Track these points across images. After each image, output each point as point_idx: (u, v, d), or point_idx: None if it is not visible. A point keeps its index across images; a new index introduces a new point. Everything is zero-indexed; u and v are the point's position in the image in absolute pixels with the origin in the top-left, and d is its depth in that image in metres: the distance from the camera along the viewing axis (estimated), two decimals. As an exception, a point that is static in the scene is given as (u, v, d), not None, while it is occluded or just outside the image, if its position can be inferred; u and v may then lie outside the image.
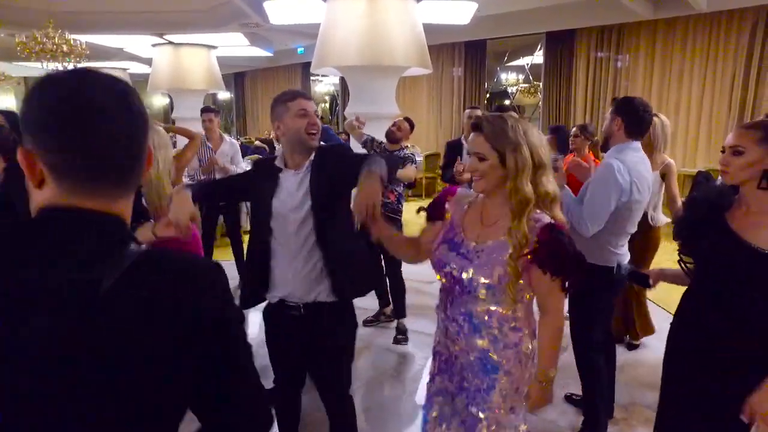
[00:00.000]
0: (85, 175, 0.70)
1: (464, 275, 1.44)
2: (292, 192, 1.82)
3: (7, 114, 3.51)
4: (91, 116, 0.68)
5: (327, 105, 14.30)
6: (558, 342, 1.50)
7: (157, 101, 15.78)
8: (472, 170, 1.44)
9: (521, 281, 1.40)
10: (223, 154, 4.45)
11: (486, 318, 1.46)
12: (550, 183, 1.42)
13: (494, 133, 1.38)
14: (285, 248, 1.82)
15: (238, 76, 14.17)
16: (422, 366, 3.22)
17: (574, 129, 3.89)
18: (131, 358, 0.67)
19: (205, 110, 4.52)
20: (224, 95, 14.52)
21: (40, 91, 0.69)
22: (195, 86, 7.91)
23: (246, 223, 6.89)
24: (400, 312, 3.60)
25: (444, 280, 1.53)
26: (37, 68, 11.92)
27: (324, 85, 13.98)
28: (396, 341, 3.52)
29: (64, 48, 6.00)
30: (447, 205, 1.60)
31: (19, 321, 0.66)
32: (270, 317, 1.95)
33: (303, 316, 1.85)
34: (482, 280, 1.41)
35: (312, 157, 1.85)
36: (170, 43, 7.73)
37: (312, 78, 12.70)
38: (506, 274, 1.38)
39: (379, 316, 3.83)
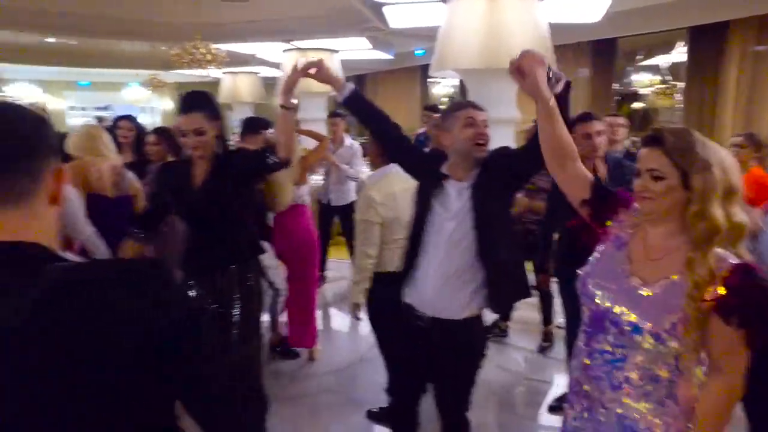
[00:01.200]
0: None
1: (624, 317, 1.23)
2: (454, 203, 1.79)
3: (131, 117, 4.01)
4: None
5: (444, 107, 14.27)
6: (730, 411, 1.23)
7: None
8: (641, 190, 1.24)
9: (696, 331, 1.16)
10: (340, 157, 4.64)
11: (646, 373, 1.23)
12: (742, 213, 1.19)
13: (679, 148, 1.18)
14: (435, 258, 1.79)
15: (359, 79, 14.67)
16: (535, 390, 3.11)
17: (737, 138, 3.35)
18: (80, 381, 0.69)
19: (332, 115, 4.79)
20: (345, 97, 15.12)
21: None
22: (319, 89, 8.26)
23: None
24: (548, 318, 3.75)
25: (588, 313, 1.33)
26: (186, 75, 13.47)
27: (442, 87, 13.97)
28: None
29: (208, 57, 6.68)
30: (615, 216, 1.37)
31: None
32: (401, 321, 1.93)
33: (432, 329, 1.80)
34: (648, 326, 1.19)
35: (478, 169, 1.81)
36: (297, 48, 8.23)
37: (430, 80, 12.76)
38: (682, 321, 1.16)
39: (493, 329, 3.74)
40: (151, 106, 17.56)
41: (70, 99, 16.55)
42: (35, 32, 8.46)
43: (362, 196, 2.61)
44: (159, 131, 3.66)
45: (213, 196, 2.10)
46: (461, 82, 10.48)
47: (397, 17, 6.37)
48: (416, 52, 11.00)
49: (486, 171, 1.80)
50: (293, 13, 7.13)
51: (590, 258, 1.39)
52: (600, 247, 1.38)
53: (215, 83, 12.55)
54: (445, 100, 14.23)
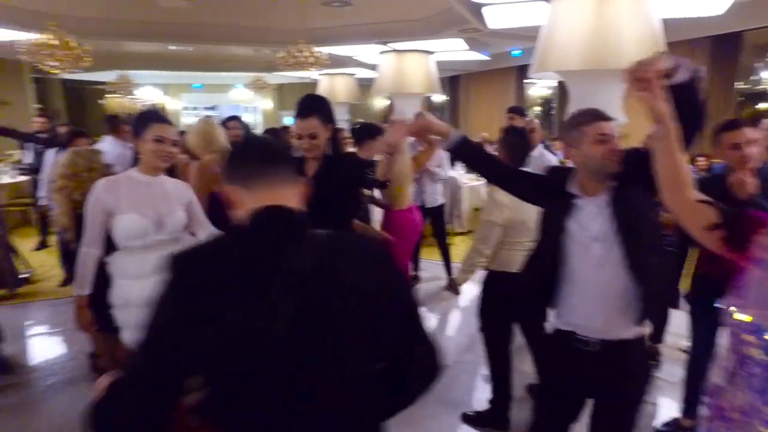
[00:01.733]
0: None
1: None
2: (592, 220, 1.68)
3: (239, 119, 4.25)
4: None
5: (540, 110, 13.79)
6: None
7: (377, 103, 17.21)
8: None
9: None
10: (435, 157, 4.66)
11: None
12: None
13: None
14: (589, 281, 1.70)
15: (453, 79, 14.59)
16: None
17: None
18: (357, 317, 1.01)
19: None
20: (438, 98, 15.09)
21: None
22: (414, 90, 8.40)
23: (454, 225, 7.10)
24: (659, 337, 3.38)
25: (738, 344, 1.17)
26: (287, 76, 14.20)
27: (538, 88, 13.51)
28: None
29: (311, 60, 7.01)
30: (755, 241, 1.20)
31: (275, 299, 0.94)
32: (552, 346, 1.85)
33: (597, 353, 1.70)
34: None
35: (612, 180, 1.69)
36: (394, 50, 8.38)
37: (526, 81, 12.39)
38: None
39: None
40: (254, 106, 18.67)
41: (185, 100, 18.06)
42: (162, 41, 9.35)
43: (490, 197, 2.67)
44: (268, 133, 3.88)
45: (319, 193, 2.21)
46: (560, 83, 10.13)
47: (496, 18, 6.27)
48: (513, 52, 10.75)
49: (623, 181, 1.66)
50: (393, 17, 7.27)
51: (733, 286, 1.21)
52: (745, 273, 1.20)
53: (313, 84, 13.13)
54: (542, 102, 13.76)
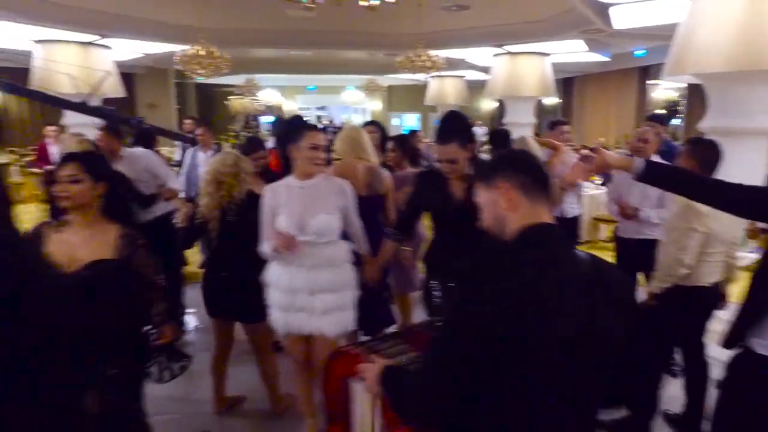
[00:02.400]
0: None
1: None
2: None
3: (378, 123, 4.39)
4: None
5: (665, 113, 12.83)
6: None
7: (485, 106, 17.05)
8: None
9: None
10: (564, 166, 4.57)
11: None
12: None
13: None
14: None
15: (567, 82, 14.05)
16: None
17: None
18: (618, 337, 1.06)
19: (557, 123, 4.60)
20: (549, 101, 14.63)
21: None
22: (527, 93, 8.24)
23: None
24: None
25: None
26: (397, 78, 14.55)
27: (662, 90, 12.58)
28: None
29: (428, 63, 7.19)
30: None
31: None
32: (744, 370, 1.71)
33: None
34: None
35: None
36: (508, 52, 8.27)
37: (649, 82, 11.62)
38: None
39: None
40: (363, 107, 19.33)
41: (299, 101, 19.17)
42: (286, 48, 10.06)
43: (683, 205, 2.50)
44: (397, 139, 3.98)
45: (471, 214, 2.28)
46: (690, 86, 9.31)
47: (623, 17, 5.98)
48: (636, 52, 10.13)
49: None
50: (511, 19, 7.20)
51: None
52: None
53: (422, 86, 13.34)
54: (667, 105, 12.78)
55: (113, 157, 3.61)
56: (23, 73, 6.98)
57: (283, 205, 2.39)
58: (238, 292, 2.68)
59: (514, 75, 8.30)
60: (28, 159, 9.61)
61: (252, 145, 3.52)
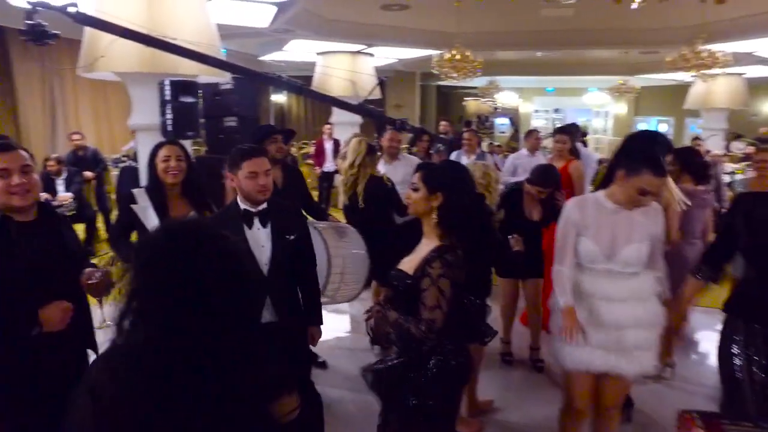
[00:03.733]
0: None
1: None
2: None
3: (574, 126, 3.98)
4: None
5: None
6: None
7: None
8: None
9: None
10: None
11: None
12: None
13: None
14: None
15: None
16: None
17: None
18: None
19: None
20: None
21: None
22: (721, 105, 6.63)
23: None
24: None
25: None
26: (648, 79, 12.98)
27: None
28: None
29: (707, 61, 6.20)
30: None
31: None
32: None
33: None
34: None
35: None
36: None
37: None
38: None
39: None
40: (605, 111, 17.85)
41: (536, 103, 18.66)
42: (536, 49, 9.88)
43: None
44: (679, 152, 3.50)
45: None
46: None
47: None
48: None
49: None
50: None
51: None
52: None
53: (678, 87, 11.55)
54: None
55: (392, 158, 4.00)
56: (307, 80, 8.30)
57: (590, 226, 2.11)
58: None
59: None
60: (303, 152, 11.54)
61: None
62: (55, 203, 5.27)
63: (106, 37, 3.73)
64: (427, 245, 1.78)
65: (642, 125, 16.08)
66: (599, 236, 2.08)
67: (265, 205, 2.06)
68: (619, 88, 13.42)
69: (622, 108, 16.98)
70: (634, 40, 8.13)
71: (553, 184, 3.16)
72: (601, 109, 17.97)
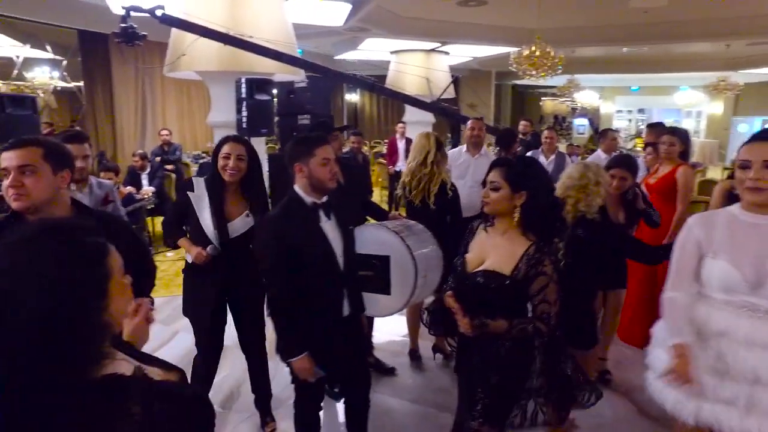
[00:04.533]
0: None
1: None
2: None
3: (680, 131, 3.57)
4: None
5: None
6: None
7: None
8: None
9: None
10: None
11: None
12: None
13: None
14: None
15: None
16: None
17: None
18: None
19: None
20: None
21: None
22: None
23: None
24: None
25: None
26: (750, 74, 11.78)
27: None
28: None
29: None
30: None
31: None
32: None
33: None
34: None
35: None
36: None
37: None
38: None
39: None
40: (698, 110, 16.54)
41: (618, 103, 17.61)
42: (624, 44, 9.29)
43: None
44: None
45: None
46: None
47: None
48: None
49: None
50: None
51: None
52: None
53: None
54: None
55: (475, 149, 3.87)
56: (381, 79, 8.25)
57: (724, 243, 1.69)
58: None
59: None
60: (376, 150, 11.56)
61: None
62: (137, 196, 5.57)
63: (189, 38, 3.86)
64: (509, 244, 1.71)
65: (742, 126, 14.70)
66: (737, 258, 1.65)
67: (325, 198, 1.99)
68: (718, 86, 12.30)
69: (717, 107, 15.63)
70: (743, 30, 7.40)
71: (636, 171, 2.88)
72: (692, 109, 16.66)
